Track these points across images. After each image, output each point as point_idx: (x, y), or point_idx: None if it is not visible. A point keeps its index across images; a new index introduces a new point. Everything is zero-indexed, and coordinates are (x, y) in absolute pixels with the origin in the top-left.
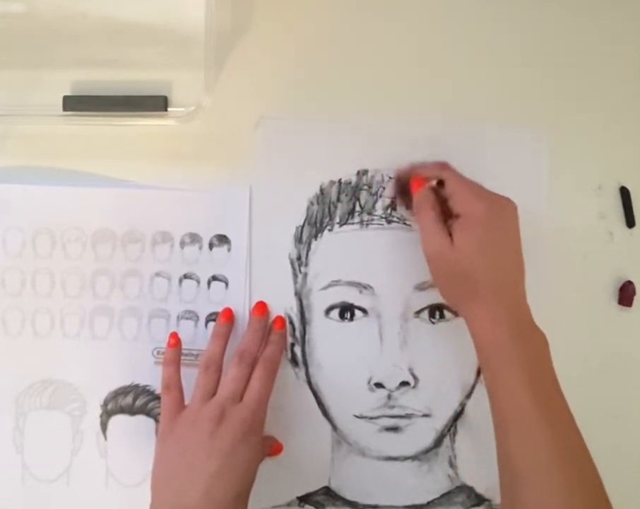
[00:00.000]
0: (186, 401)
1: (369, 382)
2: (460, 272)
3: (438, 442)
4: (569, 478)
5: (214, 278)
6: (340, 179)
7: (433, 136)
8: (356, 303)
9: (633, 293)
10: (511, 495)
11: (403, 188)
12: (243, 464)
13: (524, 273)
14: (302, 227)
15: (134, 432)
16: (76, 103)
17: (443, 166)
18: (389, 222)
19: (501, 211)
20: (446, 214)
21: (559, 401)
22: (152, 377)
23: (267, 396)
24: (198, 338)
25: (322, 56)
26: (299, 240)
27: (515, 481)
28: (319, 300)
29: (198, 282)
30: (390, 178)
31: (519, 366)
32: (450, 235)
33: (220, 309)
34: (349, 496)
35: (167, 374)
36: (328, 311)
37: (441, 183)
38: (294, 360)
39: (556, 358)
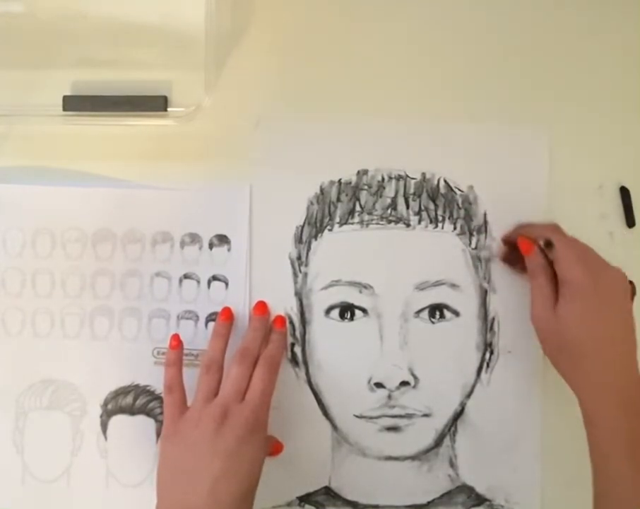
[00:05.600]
0: (188, 402)
1: (369, 382)
2: (563, 342)
3: (438, 442)
4: None
5: (214, 278)
6: (340, 179)
7: (433, 135)
8: (356, 303)
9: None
10: None
11: (511, 248)
12: (247, 463)
13: (635, 347)
14: (302, 227)
15: (134, 432)
16: (76, 103)
17: (553, 228)
18: (389, 222)
19: (609, 282)
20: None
21: None
22: (153, 377)
23: (269, 394)
24: (198, 338)
25: (322, 56)
26: (299, 239)
27: None
28: (319, 300)
29: (198, 282)
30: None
31: (633, 442)
32: (555, 303)
33: (220, 309)
34: (349, 496)
35: (169, 375)
36: (328, 311)
37: (549, 244)
38: (294, 360)
39: None
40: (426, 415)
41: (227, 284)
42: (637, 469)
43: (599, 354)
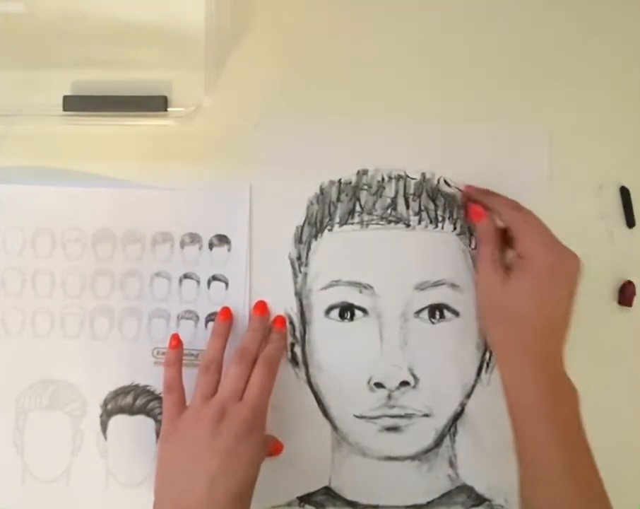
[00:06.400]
0: (188, 402)
1: (369, 382)
2: (507, 312)
3: (438, 442)
4: None
5: (214, 278)
6: (340, 179)
7: (433, 135)
8: (356, 303)
9: (633, 293)
10: None
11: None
12: (245, 463)
13: (568, 332)
14: (302, 227)
15: (134, 432)
16: (76, 103)
17: (515, 205)
18: (389, 222)
19: (566, 266)
20: (506, 250)
21: (588, 458)
22: (152, 377)
23: (268, 394)
24: (198, 338)
25: (322, 56)
26: (299, 240)
27: None
28: (319, 300)
29: (198, 282)
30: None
31: (551, 420)
32: (505, 272)
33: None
34: (349, 496)
35: (168, 375)
36: (328, 311)
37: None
38: (294, 360)
39: None
40: (426, 415)
41: (227, 284)
42: (565, 456)
43: (539, 333)
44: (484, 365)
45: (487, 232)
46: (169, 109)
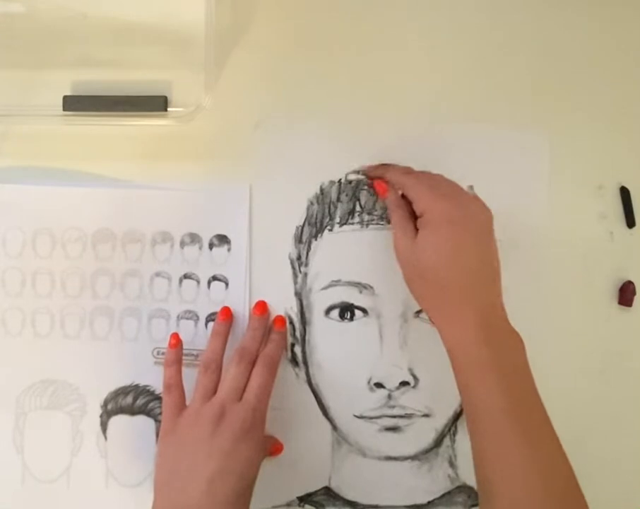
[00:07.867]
0: (187, 401)
1: (369, 382)
2: (422, 270)
3: (438, 442)
4: (544, 488)
5: (214, 278)
6: (340, 179)
7: (433, 136)
8: (356, 303)
9: (633, 293)
10: (488, 506)
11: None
12: (244, 463)
13: (498, 274)
14: (302, 227)
15: (134, 432)
16: (76, 103)
17: (406, 170)
18: (389, 222)
19: (466, 211)
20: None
21: (535, 404)
22: (152, 377)
23: (267, 394)
24: (198, 338)
25: (322, 56)
26: (299, 240)
27: (490, 493)
28: (319, 300)
29: (198, 282)
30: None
31: (491, 370)
32: (415, 235)
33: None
34: (349, 496)
35: (168, 375)
36: (328, 311)
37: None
38: (294, 360)
39: (556, 358)
40: (426, 415)
41: (227, 284)
42: (509, 405)
43: (455, 282)
44: None
45: (393, 203)
46: (169, 109)
